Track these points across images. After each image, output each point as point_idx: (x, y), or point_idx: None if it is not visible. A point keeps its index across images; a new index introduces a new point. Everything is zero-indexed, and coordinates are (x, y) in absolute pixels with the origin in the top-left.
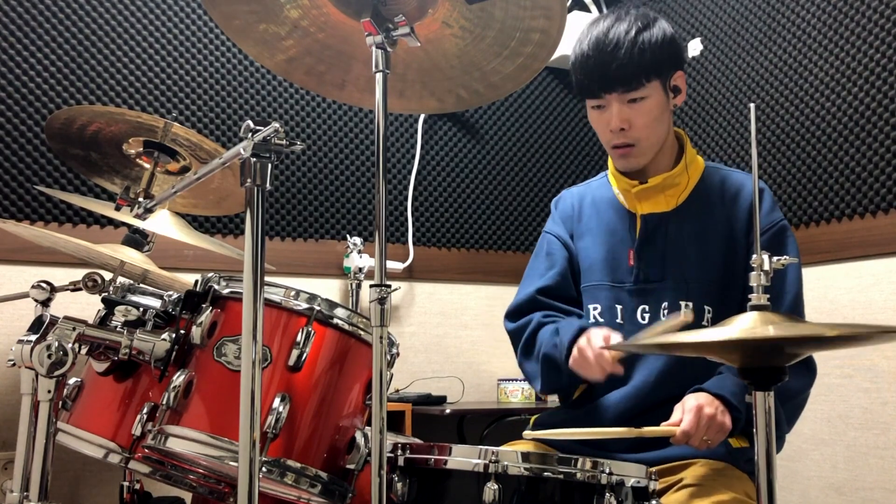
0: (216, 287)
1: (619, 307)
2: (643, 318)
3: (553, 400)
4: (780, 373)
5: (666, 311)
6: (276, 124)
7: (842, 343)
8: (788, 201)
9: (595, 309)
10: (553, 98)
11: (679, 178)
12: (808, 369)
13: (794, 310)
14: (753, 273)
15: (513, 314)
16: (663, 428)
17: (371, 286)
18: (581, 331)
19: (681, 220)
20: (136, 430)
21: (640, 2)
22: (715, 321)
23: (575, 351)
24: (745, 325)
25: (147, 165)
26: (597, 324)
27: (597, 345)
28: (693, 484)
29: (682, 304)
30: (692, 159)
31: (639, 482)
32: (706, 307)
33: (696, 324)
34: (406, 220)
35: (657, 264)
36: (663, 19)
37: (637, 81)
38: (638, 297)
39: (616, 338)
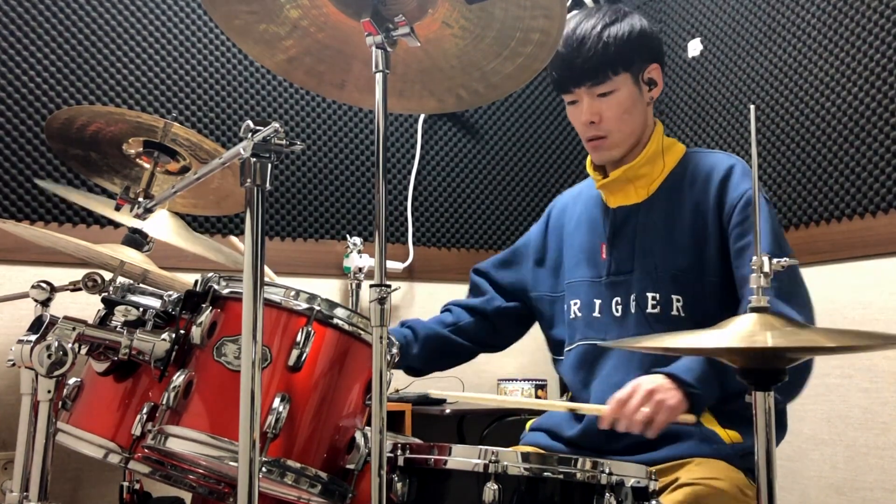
0: (216, 287)
1: (597, 301)
2: (617, 311)
3: (553, 399)
4: (781, 374)
5: (634, 304)
6: (276, 124)
7: (842, 351)
8: (788, 201)
9: (575, 304)
10: (553, 98)
11: (643, 168)
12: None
13: (776, 246)
14: (753, 275)
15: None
16: (596, 406)
17: (371, 286)
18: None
19: (650, 210)
20: (136, 430)
21: (639, 2)
22: (687, 310)
23: None
24: (744, 331)
25: (147, 165)
26: (576, 318)
27: None
28: (689, 483)
29: (649, 295)
30: (667, 148)
31: (639, 482)
32: (674, 296)
33: (664, 315)
34: (406, 220)
35: (627, 256)
36: (637, 14)
37: (603, 75)
38: (612, 290)
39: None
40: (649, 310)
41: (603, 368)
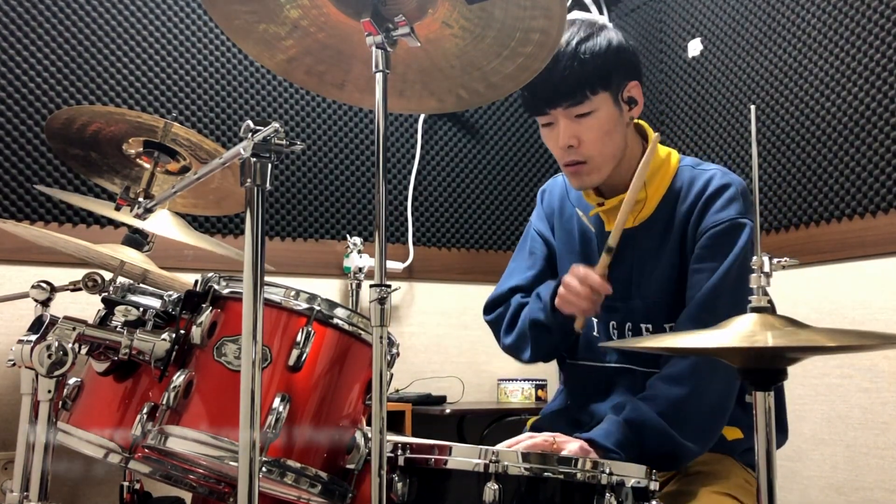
0: (216, 287)
1: (593, 319)
2: (613, 335)
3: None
4: (781, 373)
5: (630, 334)
6: (276, 124)
7: (842, 351)
8: (788, 201)
9: None
10: None
11: (639, 194)
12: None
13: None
14: (753, 276)
15: (490, 307)
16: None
17: (371, 286)
18: (559, 286)
19: (646, 235)
20: (136, 430)
21: (639, 2)
22: None
23: (561, 289)
24: (745, 331)
25: (147, 165)
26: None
27: (581, 273)
28: (693, 473)
29: (643, 326)
30: (657, 169)
31: (639, 482)
32: (667, 325)
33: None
34: (406, 220)
35: (624, 283)
36: (613, 28)
37: (581, 94)
38: (608, 313)
39: (594, 275)
40: None
41: (609, 392)
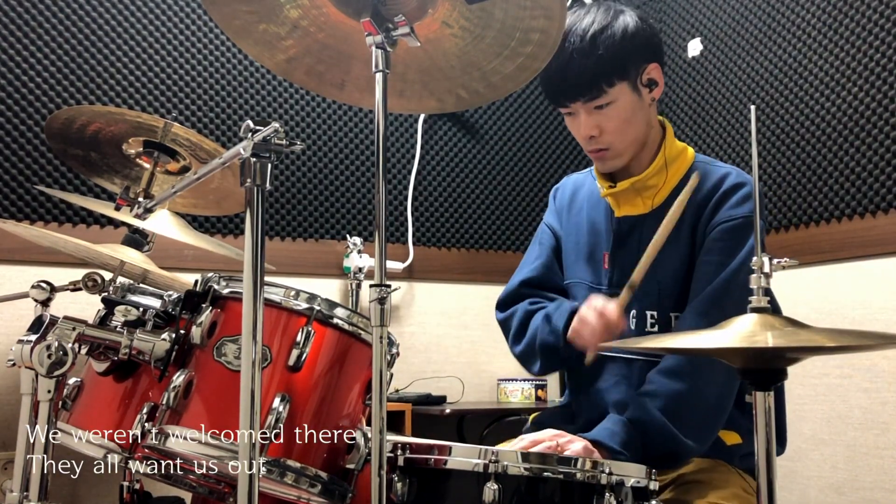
0: (216, 287)
1: None
2: None
3: (552, 399)
4: (781, 374)
5: (634, 322)
6: (276, 124)
7: (842, 351)
8: (788, 201)
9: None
10: None
11: (652, 179)
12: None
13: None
14: (753, 276)
15: (501, 304)
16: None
17: (371, 286)
18: (573, 314)
19: (655, 223)
20: (136, 430)
21: (639, 2)
22: None
23: (576, 322)
24: (745, 331)
25: (147, 165)
26: None
27: (599, 304)
28: (689, 481)
29: (648, 314)
30: (675, 157)
31: (638, 482)
32: (672, 314)
33: (662, 332)
34: (406, 220)
35: (629, 270)
36: (629, 11)
37: (597, 89)
38: (612, 300)
39: (611, 304)
40: (647, 328)
41: (604, 380)
